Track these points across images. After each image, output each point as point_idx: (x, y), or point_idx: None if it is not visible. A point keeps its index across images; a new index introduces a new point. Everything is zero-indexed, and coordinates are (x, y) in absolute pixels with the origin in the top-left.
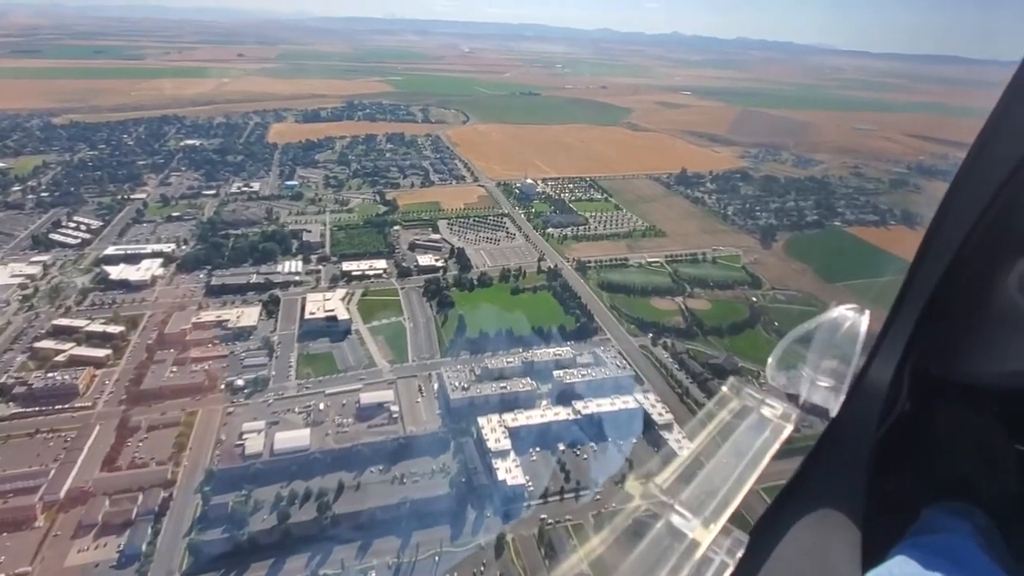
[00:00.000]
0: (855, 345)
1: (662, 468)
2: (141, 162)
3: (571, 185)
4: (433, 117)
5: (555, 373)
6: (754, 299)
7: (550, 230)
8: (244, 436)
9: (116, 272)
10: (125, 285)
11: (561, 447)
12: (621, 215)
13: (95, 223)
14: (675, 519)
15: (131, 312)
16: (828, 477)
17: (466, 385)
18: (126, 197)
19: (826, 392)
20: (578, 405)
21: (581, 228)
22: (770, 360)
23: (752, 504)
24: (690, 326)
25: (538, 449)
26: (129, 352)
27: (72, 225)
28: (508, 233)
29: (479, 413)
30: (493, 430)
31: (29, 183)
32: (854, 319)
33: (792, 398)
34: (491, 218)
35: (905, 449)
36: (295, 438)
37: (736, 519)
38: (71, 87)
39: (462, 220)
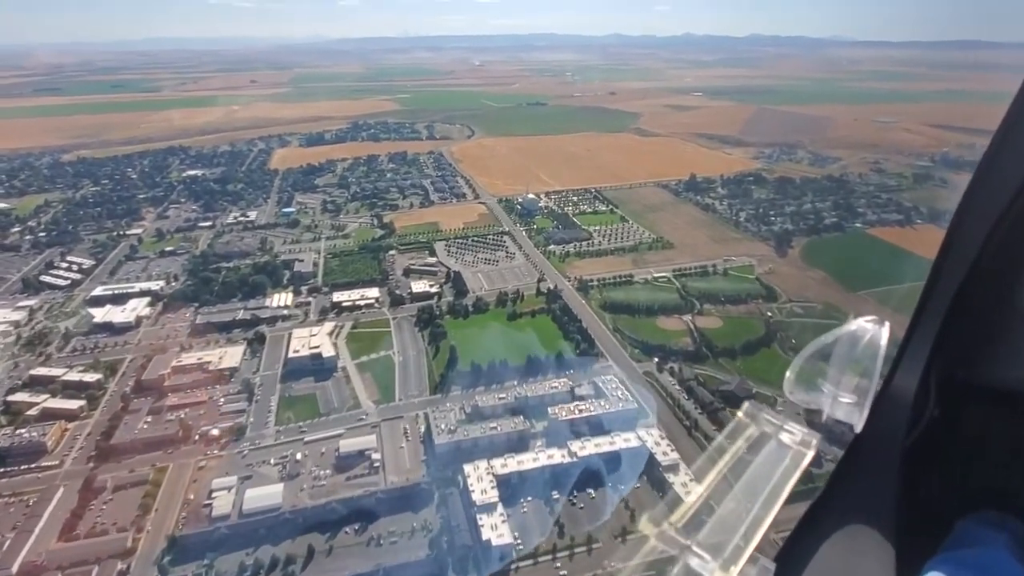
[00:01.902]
0: (876, 358)
1: (677, 504)
2: (141, 196)
3: (575, 198)
4: (438, 133)
5: (550, 410)
6: (769, 314)
7: (552, 247)
8: (213, 494)
9: (101, 314)
10: (109, 328)
11: (555, 495)
12: (627, 227)
13: (87, 262)
14: (693, 561)
15: (112, 357)
16: (856, 493)
17: (453, 427)
18: (122, 233)
19: (848, 407)
20: (574, 446)
21: (584, 243)
22: (788, 375)
23: (777, 527)
24: (699, 348)
25: (530, 499)
26: (104, 402)
27: (64, 266)
28: (508, 253)
29: (466, 459)
30: (480, 479)
31: (29, 223)
32: (874, 331)
33: (813, 415)
34: (491, 237)
35: (935, 459)
36: (266, 495)
37: (761, 544)
38: (84, 123)
39: (460, 241)
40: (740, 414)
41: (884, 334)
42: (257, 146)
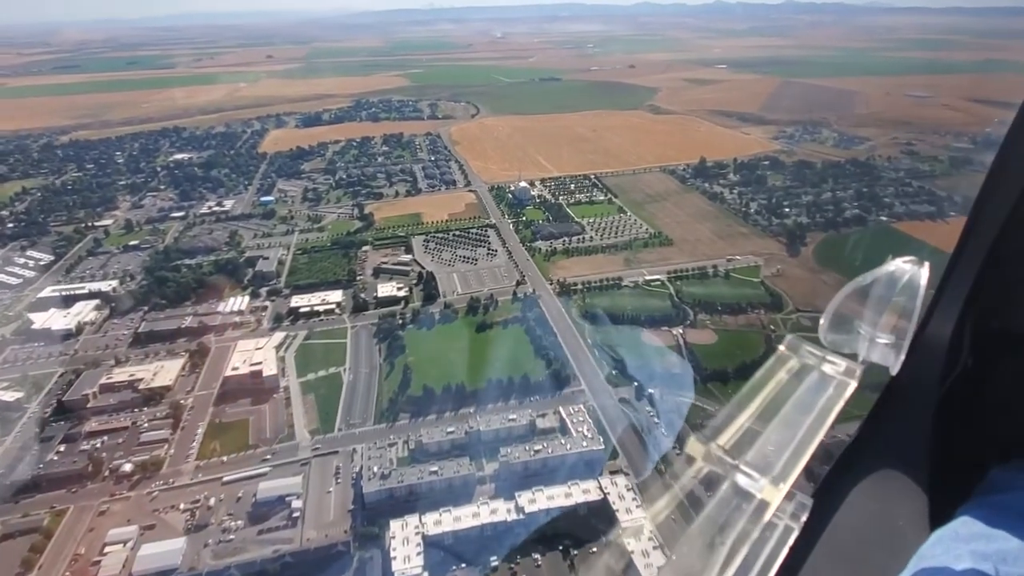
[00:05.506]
0: (916, 299)
1: (721, 430)
2: (122, 182)
3: (573, 185)
4: (441, 112)
5: (503, 449)
6: (772, 327)
7: (539, 243)
8: (106, 548)
9: (42, 320)
10: (48, 336)
11: (493, 562)
12: (624, 220)
13: (47, 258)
14: (741, 479)
15: (42, 371)
16: (890, 438)
17: (388, 471)
18: (91, 224)
19: (886, 349)
20: (523, 499)
21: (575, 238)
22: (823, 319)
23: (814, 467)
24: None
25: (463, 567)
26: (19, 427)
27: (21, 262)
28: (490, 250)
29: (398, 511)
30: (406, 541)
31: (2, 212)
32: (913, 272)
33: (850, 357)
34: (474, 231)
35: (970, 406)
36: (164, 553)
37: (798, 483)
38: (90, 102)
39: (441, 235)
40: (782, 347)
41: (923, 275)
42: (253, 127)
